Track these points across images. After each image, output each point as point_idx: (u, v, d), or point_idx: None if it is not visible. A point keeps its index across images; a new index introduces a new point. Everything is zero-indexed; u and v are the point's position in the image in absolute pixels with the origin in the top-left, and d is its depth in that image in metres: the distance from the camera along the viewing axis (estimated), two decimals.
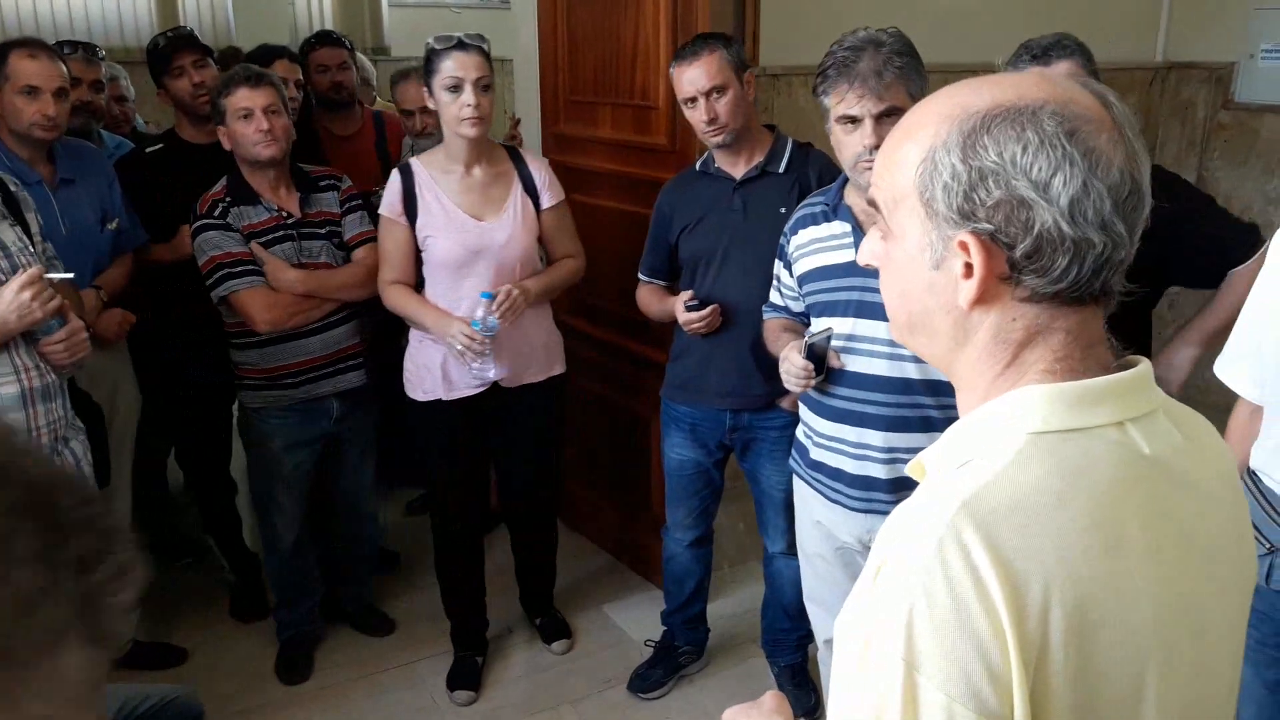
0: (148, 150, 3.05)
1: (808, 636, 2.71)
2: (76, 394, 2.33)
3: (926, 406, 1.92)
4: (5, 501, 0.58)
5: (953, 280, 0.82)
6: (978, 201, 0.79)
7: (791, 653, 2.80)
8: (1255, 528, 1.64)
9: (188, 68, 2.98)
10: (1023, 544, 0.75)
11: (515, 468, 2.88)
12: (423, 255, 2.60)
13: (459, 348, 2.50)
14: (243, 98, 2.58)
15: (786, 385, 2.03)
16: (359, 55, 4.18)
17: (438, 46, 2.46)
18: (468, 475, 2.82)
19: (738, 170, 2.47)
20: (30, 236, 2.18)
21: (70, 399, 2.23)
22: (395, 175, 2.61)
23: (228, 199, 2.65)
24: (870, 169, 1.86)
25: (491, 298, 2.49)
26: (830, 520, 2.13)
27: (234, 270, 2.61)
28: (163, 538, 3.51)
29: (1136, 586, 0.78)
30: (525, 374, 2.69)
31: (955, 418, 0.89)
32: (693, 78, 2.35)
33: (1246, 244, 2.26)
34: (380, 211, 2.62)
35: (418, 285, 2.64)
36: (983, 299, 0.82)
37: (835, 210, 2.06)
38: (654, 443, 2.89)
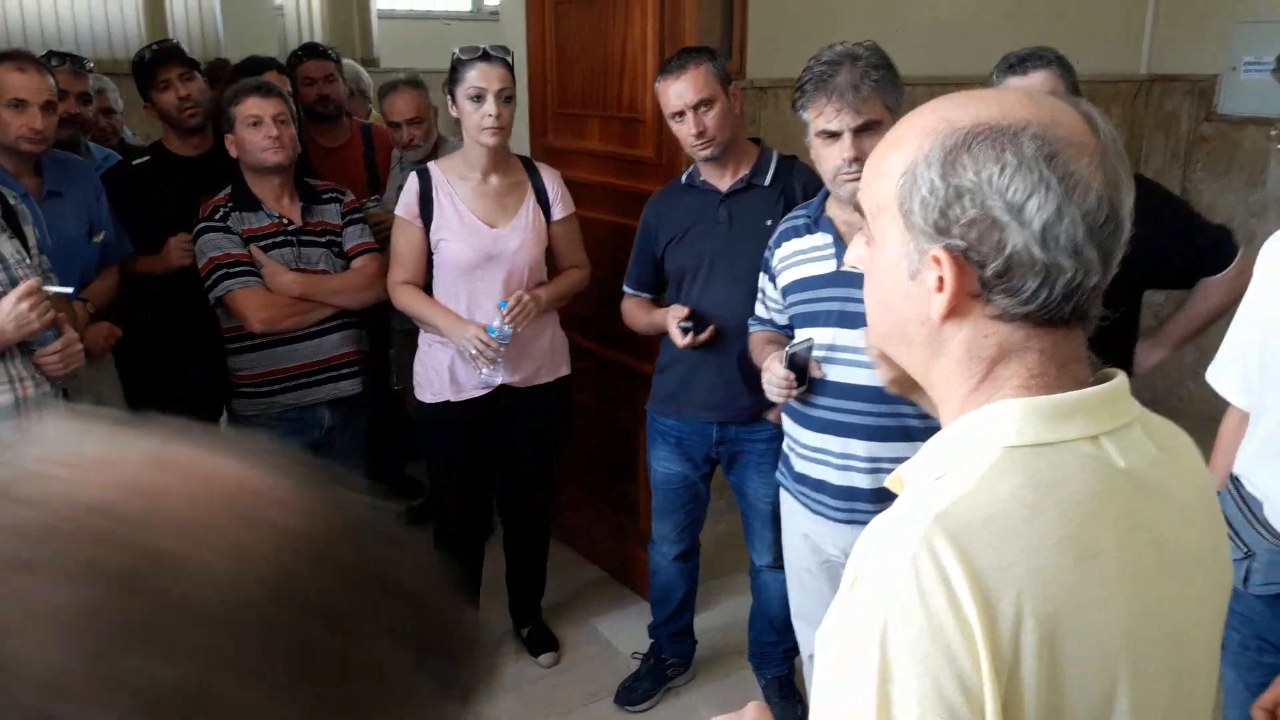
0: (134, 162, 3.05)
1: (794, 649, 2.71)
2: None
3: (907, 416, 1.93)
4: (394, 626, 0.43)
5: (927, 292, 0.83)
6: (953, 218, 0.80)
7: (778, 665, 2.80)
8: (1234, 532, 1.66)
9: (174, 81, 2.99)
10: (996, 557, 0.76)
11: (518, 466, 2.91)
12: (434, 257, 2.65)
13: (472, 352, 2.54)
14: (253, 106, 2.63)
15: (769, 395, 2.05)
16: (356, 68, 4.19)
17: (464, 57, 2.53)
18: (471, 480, 2.85)
19: (724, 183, 2.49)
20: (28, 250, 2.21)
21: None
22: (413, 177, 2.67)
23: (230, 204, 2.70)
24: (850, 181, 1.88)
25: (507, 307, 2.55)
26: (816, 533, 2.14)
27: (231, 271, 2.64)
28: None
29: (1109, 598, 0.79)
30: (535, 375, 2.75)
31: (935, 427, 0.90)
32: (679, 91, 2.37)
33: (1219, 252, 2.30)
34: (396, 212, 2.69)
35: (426, 286, 2.70)
36: (954, 313, 0.83)
37: (817, 223, 2.08)
38: (641, 455, 2.90)
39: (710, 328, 2.42)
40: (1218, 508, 0.95)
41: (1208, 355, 1.85)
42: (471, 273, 2.62)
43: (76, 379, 2.30)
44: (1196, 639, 0.88)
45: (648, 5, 2.85)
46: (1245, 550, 1.66)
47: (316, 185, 2.85)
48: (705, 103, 2.37)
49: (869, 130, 1.90)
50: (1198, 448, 0.95)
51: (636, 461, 3.10)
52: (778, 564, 2.52)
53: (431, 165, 2.69)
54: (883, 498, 1.95)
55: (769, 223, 2.32)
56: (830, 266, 2.03)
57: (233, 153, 2.69)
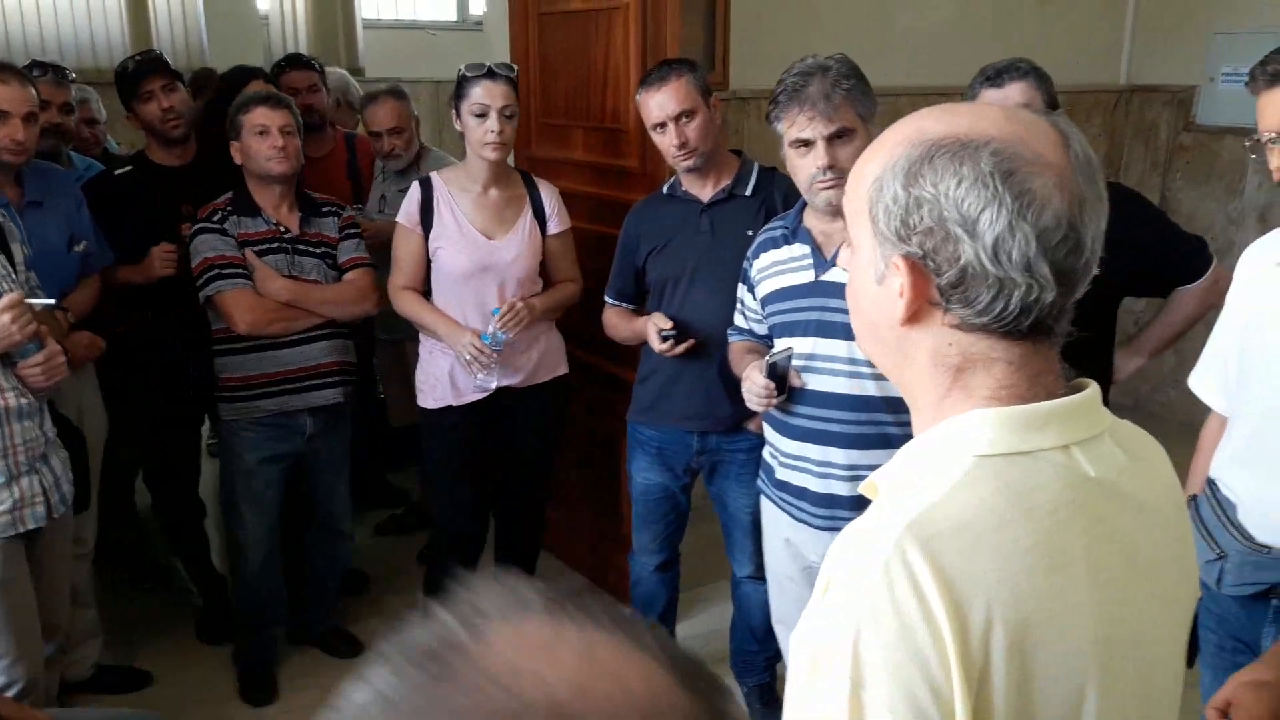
0: (117, 172, 3.05)
1: (776, 657, 2.72)
2: (59, 418, 2.35)
3: (886, 424, 1.95)
4: None
5: (892, 296, 0.85)
6: (912, 226, 0.82)
7: (760, 673, 2.81)
8: (1209, 533, 1.68)
9: (157, 92, 2.98)
10: (966, 565, 0.77)
11: (518, 466, 2.93)
12: (432, 265, 2.71)
13: (467, 358, 2.60)
14: (261, 115, 2.67)
15: (749, 404, 2.06)
16: (346, 78, 4.19)
17: (469, 74, 2.60)
18: (470, 487, 2.86)
19: (705, 193, 2.50)
20: (14, 265, 2.23)
21: (53, 421, 2.28)
22: (415, 186, 2.74)
23: (229, 208, 2.73)
24: (825, 189, 1.91)
25: (500, 313, 2.62)
26: (797, 539, 2.15)
27: (224, 271, 2.67)
28: (128, 560, 3.49)
29: (1078, 606, 0.80)
30: (534, 375, 2.80)
31: (912, 435, 0.92)
32: (661, 102, 2.38)
33: (1194, 262, 2.33)
34: (398, 219, 2.75)
35: (426, 292, 2.75)
36: (916, 319, 0.85)
37: (795, 233, 2.09)
38: (624, 463, 2.91)
39: (690, 340, 2.43)
40: (1186, 516, 0.97)
41: (1187, 362, 1.87)
42: (467, 281, 2.67)
43: (59, 390, 2.31)
44: (1162, 644, 0.90)
45: (630, 17, 2.87)
46: (1218, 552, 1.69)
47: (317, 198, 2.89)
48: (686, 114, 2.39)
49: (841, 138, 1.93)
50: (1172, 455, 0.96)
51: (619, 469, 3.11)
52: (759, 575, 2.53)
53: (434, 175, 2.76)
54: (863, 505, 1.97)
55: (750, 232, 2.33)
56: (809, 276, 2.04)
57: (237, 159, 2.73)
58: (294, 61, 3.63)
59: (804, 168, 1.96)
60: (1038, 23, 4.48)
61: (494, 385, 2.70)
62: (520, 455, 2.91)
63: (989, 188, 0.79)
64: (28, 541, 2.24)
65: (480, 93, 2.57)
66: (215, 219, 2.71)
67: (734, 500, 2.59)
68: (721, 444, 2.56)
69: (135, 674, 2.96)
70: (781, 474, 2.13)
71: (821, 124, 1.92)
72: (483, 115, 2.58)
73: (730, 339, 2.34)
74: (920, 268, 0.83)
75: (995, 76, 2.17)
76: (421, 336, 2.82)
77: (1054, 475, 0.82)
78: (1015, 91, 2.13)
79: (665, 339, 2.41)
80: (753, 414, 2.41)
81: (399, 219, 2.75)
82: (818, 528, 2.07)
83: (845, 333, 1.96)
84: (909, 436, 0.91)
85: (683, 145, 2.40)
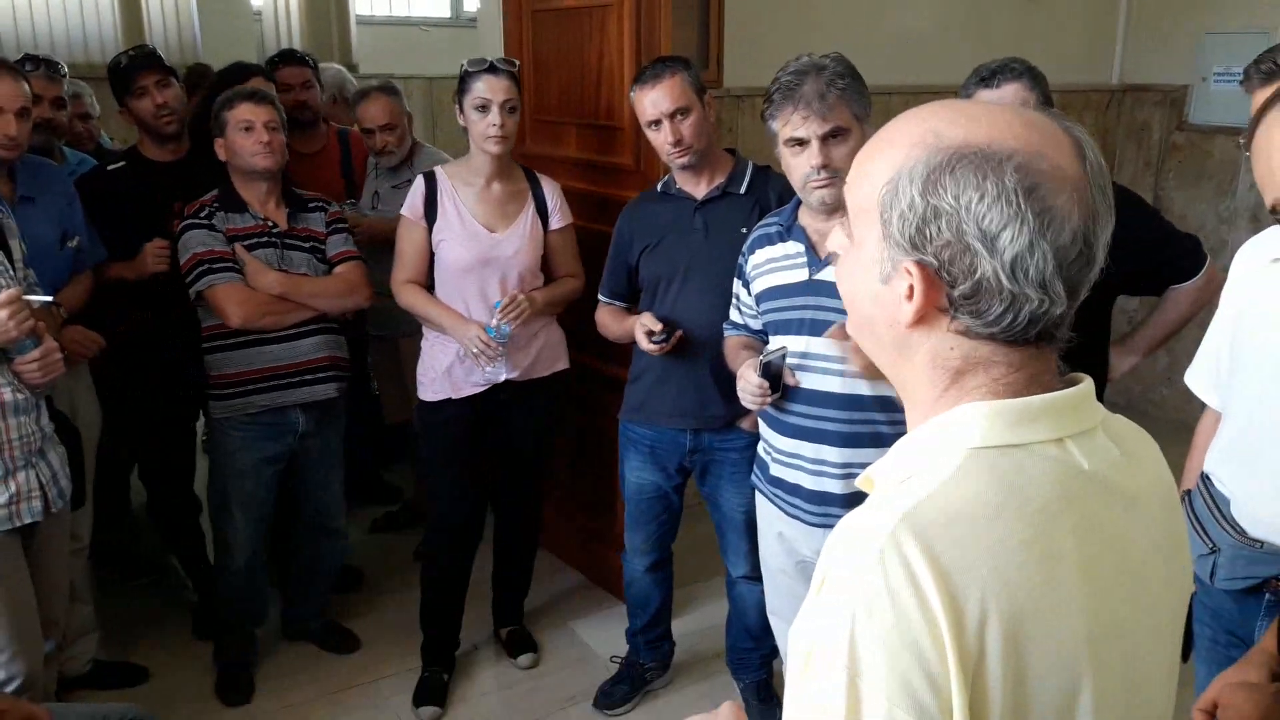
0: (110, 168, 3.04)
1: (772, 654, 2.73)
2: (56, 414, 2.35)
3: (878, 422, 1.96)
4: None
5: (897, 297, 0.85)
6: (928, 236, 0.82)
7: (756, 670, 2.82)
8: (1202, 528, 1.69)
9: (150, 88, 2.97)
10: (960, 556, 0.77)
11: (516, 460, 2.94)
12: (434, 258, 2.73)
13: (474, 351, 2.62)
14: (246, 111, 2.68)
15: (744, 402, 2.07)
16: (343, 74, 4.18)
17: (471, 69, 2.62)
18: (468, 480, 2.87)
19: (699, 191, 2.51)
20: (11, 261, 2.23)
21: (50, 417, 2.29)
22: (419, 180, 2.76)
23: (216, 204, 2.73)
24: (819, 188, 1.92)
25: (501, 305, 2.65)
26: (790, 534, 2.15)
27: (214, 266, 2.67)
28: (123, 557, 3.48)
29: (1071, 599, 0.80)
30: (533, 369, 2.81)
31: (904, 433, 0.92)
32: (655, 100, 2.39)
33: (1188, 261, 2.35)
34: (402, 212, 2.77)
35: (430, 287, 2.77)
36: (921, 322, 0.85)
37: (789, 231, 2.10)
38: (618, 460, 2.91)
39: (678, 332, 2.43)
40: (1179, 510, 0.97)
41: (1180, 361, 1.88)
42: (468, 274, 2.69)
43: (54, 387, 2.31)
44: (1155, 637, 0.90)
45: (624, 14, 2.87)
46: (1211, 546, 1.70)
47: (304, 194, 2.88)
48: (681, 111, 2.39)
49: (836, 137, 1.94)
50: (1165, 454, 0.97)
51: (614, 466, 3.11)
52: (754, 575, 2.53)
53: (438, 169, 2.80)
54: (856, 502, 1.98)
55: (744, 230, 2.34)
56: (802, 275, 2.05)
57: (222, 156, 2.73)
58: (287, 57, 3.61)
59: (798, 166, 1.97)
60: (1030, 22, 4.50)
61: (503, 376, 2.73)
62: (517, 449, 2.91)
63: (1012, 204, 0.78)
64: (26, 537, 2.24)
65: (482, 87, 2.59)
66: (203, 215, 2.71)
67: (727, 500, 2.59)
68: (714, 443, 2.56)
69: (132, 669, 2.97)
70: (775, 470, 2.14)
71: (816, 123, 1.92)
72: (484, 109, 2.60)
73: (725, 334, 2.35)
74: (933, 277, 0.83)
75: (990, 77, 2.17)
76: (424, 330, 2.83)
77: (1047, 468, 0.83)
78: (1010, 92, 2.14)
79: (655, 342, 2.41)
80: (746, 412, 2.41)
81: (403, 212, 2.77)
82: (810, 524, 2.08)
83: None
84: (901, 435, 0.92)
85: (677, 143, 2.41)
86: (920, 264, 0.82)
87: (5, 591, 2.16)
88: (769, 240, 2.14)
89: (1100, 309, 2.39)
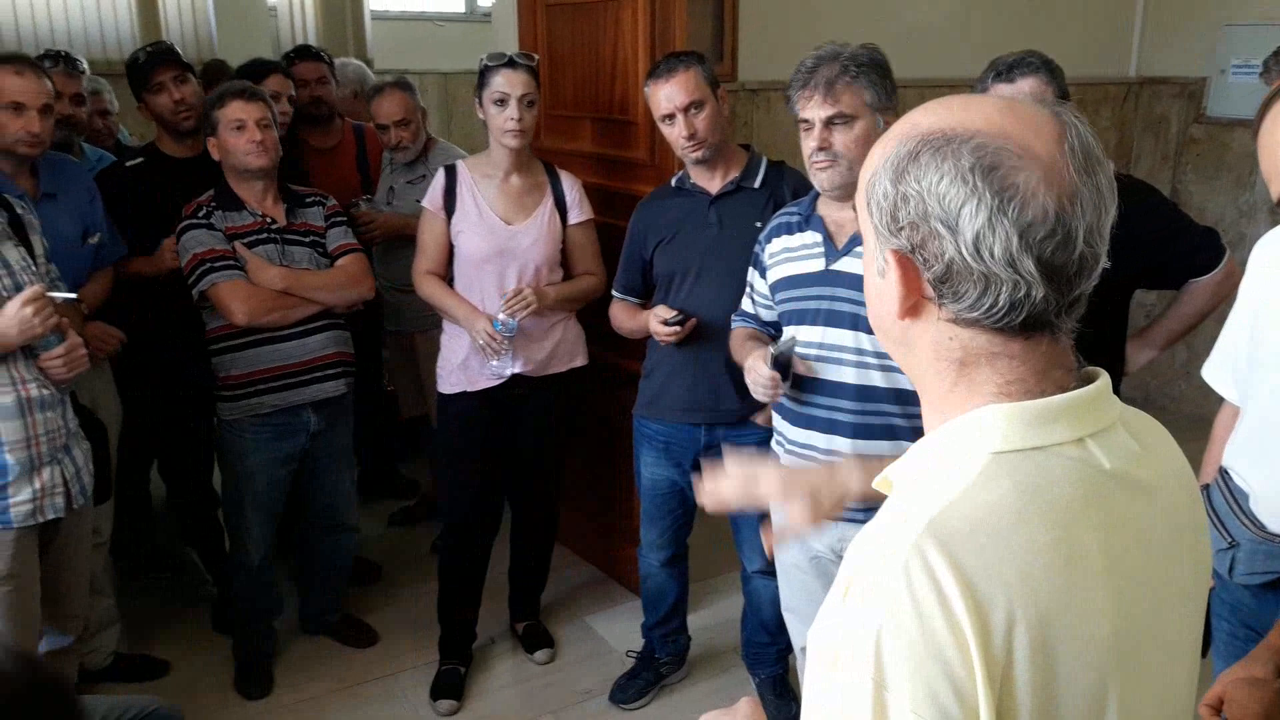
0: (128, 164, 3.06)
1: (788, 648, 2.73)
2: (80, 410, 2.37)
3: (891, 415, 1.96)
4: None
5: (890, 289, 0.86)
6: (901, 221, 0.83)
7: (772, 665, 2.82)
8: (1220, 522, 1.69)
9: (168, 83, 2.99)
10: (985, 564, 0.77)
11: (530, 456, 2.95)
12: (453, 249, 2.75)
13: (480, 343, 2.64)
14: (237, 109, 2.66)
15: (754, 395, 2.07)
16: (362, 69, 4.20)
17: (490, 63, 2.64)
18: (484, 474, 2.88)
19: (713, 185, 2.51)
20: (34, 257, 2.25)
21: (74, 412, 2.30)
22: (440, 173, 2.80)
23: (214, 204, 2.73)
24: (820, 170, 1.96)
25: (506, 298, 2.66)
26: None
27: (215, 265, 2.66)
28: (143, 550, 3.51)
29: (1096, 600, 0.80)
30: (548, 365, 2.82)
31: (919, 426, 0.92)
32: (670, 94, 2.39)
33: (1207, 254, 2.33)
34: (423, 204, 2.81)
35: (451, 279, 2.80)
36: (914, 313, 0.86)
37: (808, 220, 2.10)
38: (632, 455, 2.91)
39: (692, 320, 2.44)
40: (1198, 501, 0.97)
41: (1198, 356, 1.87)
42: (484, 265, 2.71)
43: (78, 383, 2.33)
44: (1178, 633, 0.90)
45: (638, 8, 2.87)
46: (1230, 540, 1.69)
47: (299, 190, 2.88)
48: (695, 105, 2.40)
49: (839, 122, 1.94)
50: (1182, 446, 0.96)
51: (628, 461, 3.12)
52: (769, 570, 2.53)
53: (459, 163, 2.83)
54: (867, 496, 1.98)
55: (758, 224, 2.34)
56: (819, 265, 2.05)
57: (215, 155, 2.72)
58: (303, 53, 3.63)
59: (805, 148, 2.01)
60: (1045, 14, 4.47)
61: (508, 372, 2.73)
62: (531, 444, 2.92)
63: (968, 183, 0.79)
64: (49, 532, 2.26)
65: (500, 81, 2.60)
66: (201, 215, 2.70)
67: None
68: (729, 437, 2.56)
69: (153, 662, 2.99)
70: (786, 460, 2.14)
71: (818, 106, 1.94)
72: (503, 103, 2.61)
73: (733, 324, 2.35)
74: (910, 262, 0.83)
75: (1007, 71, 2.16)
76: (444, 322, 2.85)
77: (1068, 469, 0.82)
78: (1028, 86, 2.13)
79: (670, 325, 2.42)
80: (760, 407, 2.42)
81: (424, 204, 2.80)
82: None
83: (852, 323, 1.97)
84: (915, 428, 0.92)
85: (691, 137, 2.41)
86: (896, 251, 0.84)
87: (13, 592, 2.16)
88: (787, 229, 2.14)
89: (1117, 303, 2.38)
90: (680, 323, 2.43)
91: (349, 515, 3.09)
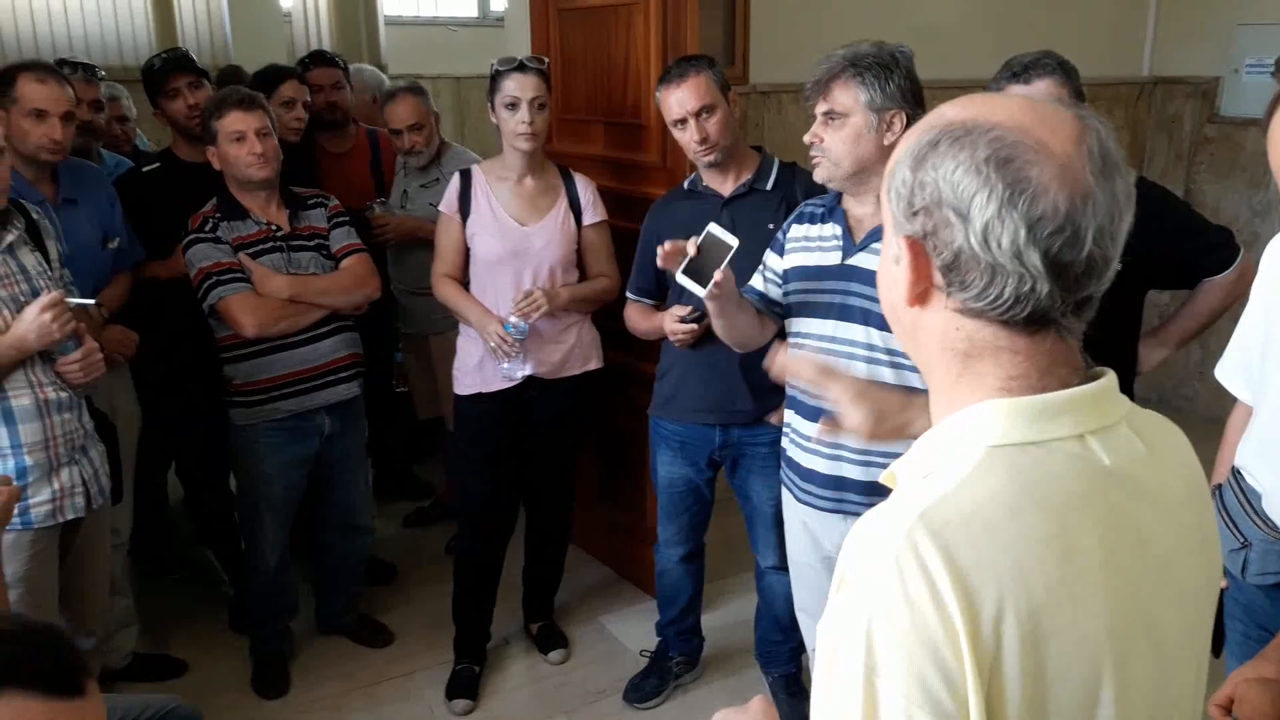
0: (145, 169, 3.09)
1: (801, 647, 2.74)
2: (94, 412, 2.39)
3: None
4: None
5: (904, 274, 0.87)
6: (915, 206, 0.84)
7: (785, 663, 2.83)
8: (1233, 522, 1.68)
9: (183, 89, 3.03)
10: (977, 555, 0.78)
11: (544, 457, 2.96)
12: (469, 252, 2.76)
13: (492, 345, 2.66)
14: (235, 120, 2.66)
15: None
16: (379, 75, 4.22)
17: (500, 68, 2.66)
18: (498, 475, 2.90)
19: (726, 188, 2.52)
20: (50, 262, 2.27)
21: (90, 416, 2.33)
22: (456, 177, 2.82)
23: (218, 215, 2.73)
24: (814, 164, 1.97)
25: (516, 300, 2.67)
26: (814, 525, 2.16)
27: (222, 279, 2.67)
28: (160, 551, 3.54)
29: (1090, 596, 0.80)
30: (562, 368, 2.83)
31: (925, 423, 0.93)
32: (681, 99, 2.40)
33: (1221, 254, 2.33)
34: (440, 208, 2.83)
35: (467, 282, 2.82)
36: (922, 300, 0.87)
37: (831, 213, 2.10)
38: (647, 454, 2.93)
39: (706, 320, 2.44)
40: (1208, 504, 0.97)
41: (1212, 356, 1.87)
42: (499, 267, 2.73)
43: (95, 387, 2.35)
44: (1181, 633, 0.90)
45: (650, 13, 2.89)
46: (1242, 541, 1.69)
47: (301, 193, 2.88)
48: (706, 109, 2.41)
49: (832, 118, 1.95)
50: (1196, 447, 0.96)
51: (643, 462, 3.13)
52: (782, 565, 2.54)
53: (474, 167, 2.86)
54: (874, 491, 1.99)
55: (771, 227, 2.35)
56: (835, 259, 2.06)
57: (215, 165, 2.72)
58: (318, 59, 3.66)
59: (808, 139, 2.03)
60: (1058, 14, 4.46)
61: (520, 375, 2.74)
62: (546, 446, 2.94)
63: (981, 174, 0.80)
64: (69, 533, 2.29)
65: (511, 85, 2.63)
66: (207, 228, 2.70)
67: (756, 493, 2.61)
68: (743, 437, 2.58)
69: (171, 662, 3.02)
70: (793, 453, 2.15)
71: (817, 101, 1.97)
72: (514, 107, 2.64)
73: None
74: (921, 248, 0.85)
75: (1022, 72, 2.16)
76: (460, 325, 2.87)
77: (1067, 464, 0.83)
78: (1043, 88, 2.13)
79: (685, 322, 2.43)
80: (773, 407, 2.42)
81: (441, 208, 2.82)
82: (824, 509, 2.09)
83: (864, 318, 1.98)
84: (924, 425, 0.93)
85: (703, 140, 2.42)
86: (908, 237, 0.85)
87: (26, 595, 2.17)
88: (811, 218, 2.15)
89: (1130, 302, 2.38)
90: (697, 320, 2.44)
91: (364, 516, 3.12)
